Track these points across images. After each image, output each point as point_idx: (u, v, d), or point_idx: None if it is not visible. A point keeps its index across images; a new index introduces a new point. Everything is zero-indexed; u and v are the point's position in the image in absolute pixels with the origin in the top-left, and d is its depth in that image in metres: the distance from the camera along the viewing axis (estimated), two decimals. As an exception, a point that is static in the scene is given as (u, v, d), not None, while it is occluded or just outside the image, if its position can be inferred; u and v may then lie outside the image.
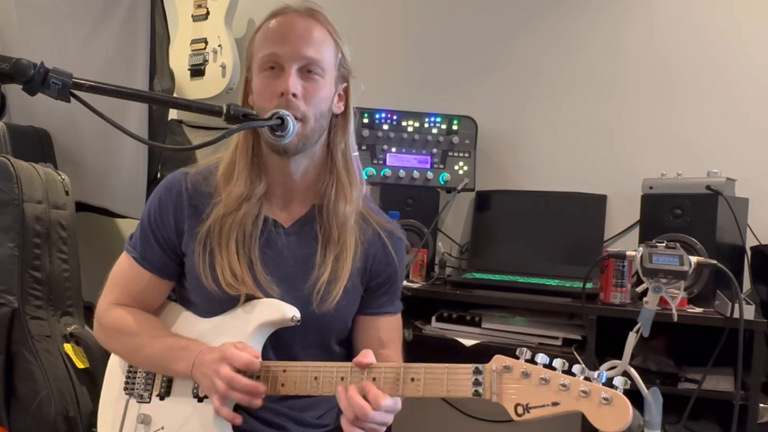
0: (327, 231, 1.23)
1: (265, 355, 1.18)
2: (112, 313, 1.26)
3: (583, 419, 0.91)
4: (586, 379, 0.93)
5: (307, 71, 1.16)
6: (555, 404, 0.93)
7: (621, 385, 0.91)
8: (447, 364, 1.02)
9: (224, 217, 1.19)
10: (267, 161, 1.23)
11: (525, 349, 0.98)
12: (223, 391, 1.09)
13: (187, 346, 1.18)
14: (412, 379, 1.04)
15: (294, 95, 1.14)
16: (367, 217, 1.28)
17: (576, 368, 0.94)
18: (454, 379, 1.01)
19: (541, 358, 0.96)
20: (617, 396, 0.90)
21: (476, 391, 0.98)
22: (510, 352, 1.00)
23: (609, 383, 0.92)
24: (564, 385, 0.93)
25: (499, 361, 0.99)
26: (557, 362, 0.95)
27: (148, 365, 1.24)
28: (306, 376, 1.10)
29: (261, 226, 1.21)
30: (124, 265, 1.28)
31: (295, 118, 1.13)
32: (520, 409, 0.95)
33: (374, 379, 1.06)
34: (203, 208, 1.22)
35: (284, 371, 1.12)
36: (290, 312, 1.15)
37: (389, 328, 1.31)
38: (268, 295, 1.18)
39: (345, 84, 1.26)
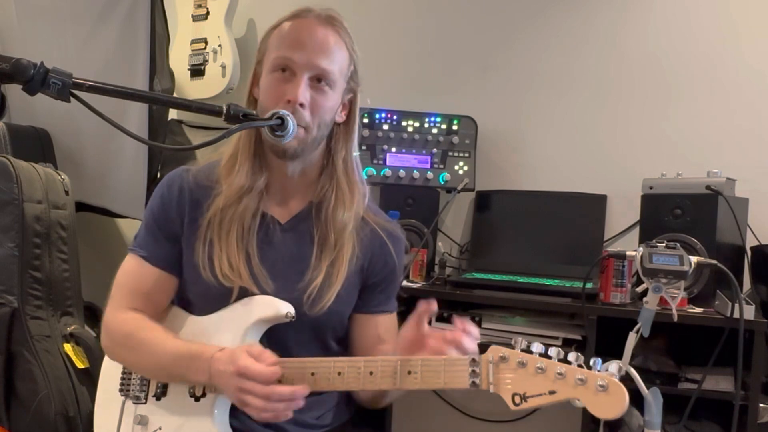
0: (323, 234, 1.23)
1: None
2: (119, 317, 1.23)
3: (584, 415, 0.91)
4: (582, 367, 0.93)
5: (317, 81, 1.17)
6: (552, 393, 0.93)
7: (617, 372, 0.91)
8: (444, 356, 1.02)
9: (225, 209, 1.20)
10: (268, 157, 1.24)
11: (521, 338, 0.98)
12: (262, 408, 1.05)
13: (198, 354, 1.13)
14: (410, 372, 1.03)
15: (301, 105, 1.14)
16: (366, 217, 1.28)
17: (571, 356, 0.94)
18: (451, 371, 1.01)
19: (537, 347, 0.96)
20: (613, 383, 0.90)
21: (473, 381, 0.98)
22: (509, 351, 1.00)
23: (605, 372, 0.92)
24: (560, 374, 0.92)
25: (495, 351, 0.99)
26: (553, 351, 0.95)
27: (159, 376, 1.21)
28: (303, 372, 1.10)
29: (259, 221, 1.22)
30: (130, 266, 1.26)
31: (298, 126, 1.13)
32: (517, 399, 0.95)
33: (371, 373, 1.05)
34: (204, 201, 1.22)
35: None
36: (284, 308, 1.15)
37: (387, 326, 1.30)
38: (262, 289, 1.18)
39: (351, 95, 1.26)
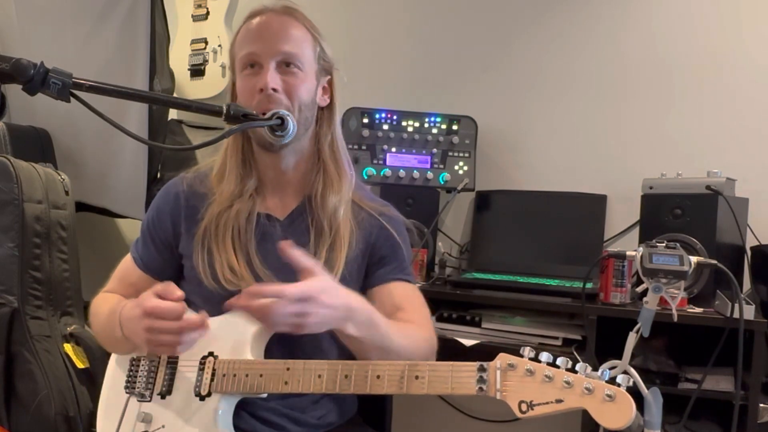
0: (318, 223, 1.25)
1: (268, 353, 1.18)
2: (100, 296, 1.32)
3: (583, 419, 0.91)
4: (589, 377, 0.94)
5: (286, 65, 1.19)
6: (559, 401, 0.93)
7: (624, 382, 0.92)
8: (451, 362, 1.03)
9: (219, 215, 1.23)
10: (258, 158, 1.27)
11: (528, 347, 0.98)
12: (175, 342, 1.09)
13: (114, 310, 1.19)
14: (417, 377, 1.04)
15: (274, 90, 1.16)
16: (360, 203, 1.30)
17: (579, 366, 0.94)
18: (458, 377, 1.01)
19: (546, 356, 0.96)
20: (620, 393, 0.91)
21: (480, 388, 0.99)
22: (510, 352, 1.00)
23: (612, 381, 0.93)
24: (568, 383, 0.93)
25: (503, 359, 0.99)
26: (561, 360, 0.95)
27: (109, 343, 1.26)
28: (310, 373, 1.10)
29: (255, 222, 1.24)
30: (125, 261, 1.34)
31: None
32: (524, 407, 0.95)
33: (378, 377, 1.06)
34: (199, 209, 1.25)
35: (288, 369, 1.12)
36: None
37: (404, 294, 1.27)
38: None
39: (329, 77, 1.28)
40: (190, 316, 1.09)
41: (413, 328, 1.21)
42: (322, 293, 1.03)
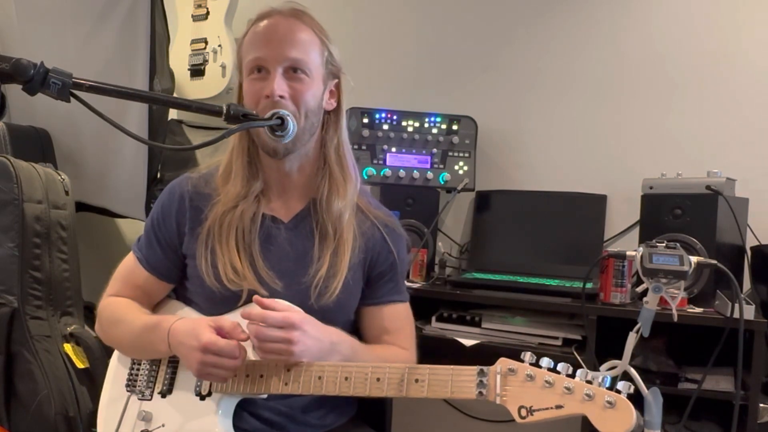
0: (323, 226, 1.25)
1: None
2: (109, 300, 1.31)
3: (583, 422, 0.91)
4: (590, 383, 0.93)
5: (293, 71, 1.18)
6: (559, 407, 0.93)
7: (625, 389, 0.92)
8: (451, 366, 1.03)
9: (223, 215, 1.22)
10: (263, 161, 1.27)
11: (529, 352, 0.98)
12: (226, 378, 1.13)
13: (157, 324, 1.20)
14: (417, 380, 1.04)
15: (281, 96, 1.16)
16: (366, 211, 1.30)
17: (580, 372, 0.94)
18: (458, 381, 1.01)
19: (546, 362, 0.96)
20: (621, 400, 0.91)
21: (480, 392, 0.99)
22: (510, 352, 1.01)
23: (612, 387, 0.93)
24: (568, 389, 0.93)
25: (503, 363, 0.99)
26: (561, 366, 0.95)
27: (136, 351, 1.26)
28: (310, 375, 1.10)
29: (260, 223, 1.24)
30: (128, 263, 1.33)
31: None
32: (523, 412, 0.95)
33: (378, 379, 1.06)
34: (204, 209, 1.25)
35: (288, 370, 1.12)
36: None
37: (394, 316, 1.31)
38: (270, 289, 1.19)
39: (336, 81, 1.28)
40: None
41: (393, 352, 1.28)
42: (303, 323, 1.10)
